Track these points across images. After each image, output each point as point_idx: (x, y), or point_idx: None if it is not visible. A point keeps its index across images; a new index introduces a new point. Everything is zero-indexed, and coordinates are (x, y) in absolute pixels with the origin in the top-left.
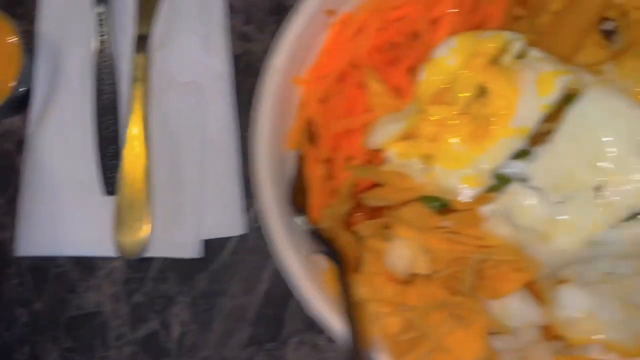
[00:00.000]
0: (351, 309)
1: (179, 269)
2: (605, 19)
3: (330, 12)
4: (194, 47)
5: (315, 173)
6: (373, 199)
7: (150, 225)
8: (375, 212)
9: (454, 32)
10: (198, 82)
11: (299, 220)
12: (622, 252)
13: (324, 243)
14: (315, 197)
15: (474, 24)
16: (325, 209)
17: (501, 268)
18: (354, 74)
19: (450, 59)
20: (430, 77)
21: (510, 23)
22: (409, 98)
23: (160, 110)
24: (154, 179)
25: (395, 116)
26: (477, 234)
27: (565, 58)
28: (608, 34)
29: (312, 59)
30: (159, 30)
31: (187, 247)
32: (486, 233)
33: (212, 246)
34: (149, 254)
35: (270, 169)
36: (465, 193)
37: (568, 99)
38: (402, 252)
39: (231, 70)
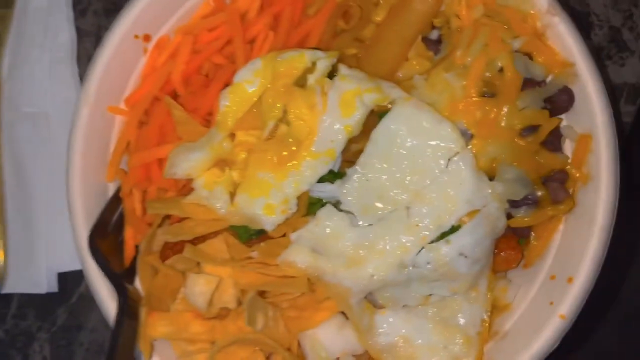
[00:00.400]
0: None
1: (38, 304)
2: (433, 27)
3: (146, 37)
4: (40, 76)
5: (129, 205)
6: (170, 234)
7: (3, 260)
8: (193, 243)
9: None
10: (46, 111)
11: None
12: (435, 274)
13: (112, 280)
14: (130, 231)
15: (295, 41)
16: (141, 242)
17: (309, 298)
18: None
19: (254, 83)
20: (234, 102)
21: (332, 38)
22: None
23: (11, 144)
24: (6, 213)
25: (193, 145)
26: (279, 265)
27: (389, 71)
28: (435, 43)
29: (133, 85)
30: (6, 60)
31: (41, 282)
32: (288, 263)
33: (69, 279)
34: (4, 290)
35: (86, 207)
36: (270, 221)
37: (381, 117)
38: (202, 288)
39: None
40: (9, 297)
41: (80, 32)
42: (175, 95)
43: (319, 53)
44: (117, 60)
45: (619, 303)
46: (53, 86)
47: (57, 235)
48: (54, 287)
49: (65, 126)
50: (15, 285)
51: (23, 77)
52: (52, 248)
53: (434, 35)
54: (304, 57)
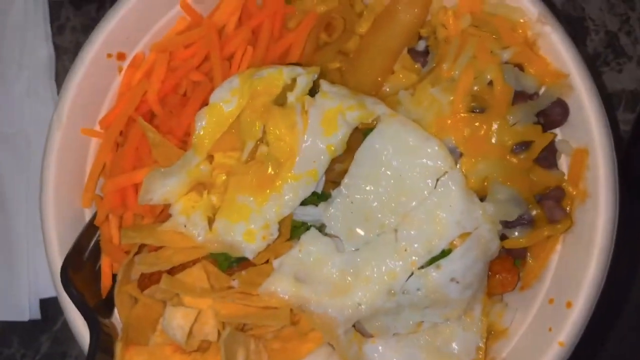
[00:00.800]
0: None
1: (21, 331)
2: (420, 38)
3: (120, 56)
4: (18, 95)
5: (105, 233)
6: (145, 264)
7: None
8: (171, 272)
9: (250, 68)
10: (25, 131)
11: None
12: (427, 300)
13: (84, 315)
14: (107, 260)
15: (275, 56)
16: (119, 271)
17: (293, 329)
18: (139, 114)
19: (231, 102)
20: (211, 123)
21: (314, 51)
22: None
23: None
24: None
25: (168, 170)
26: (260, 296)
27: (374, 85)
28: (422, 54)
29: (109, 105)
30: None
31: (24, 309)
32: (269, 293)
33: (52, 305)
34: None
35: (61, 235)
36: (250, 248)
37: (365, 135)
38: (180, 322)
39: None
40: None
41: (58, 49)
42: (152, 115)
43: (299, 69)
44: (91, 80)
45: (620, 320)
46: (31, 105)
47: (39, 260)
48: (36, 314)
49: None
50: None
51: (1, 97)
52: (34, 273)
53: (420, 46)
54: (283, 74)
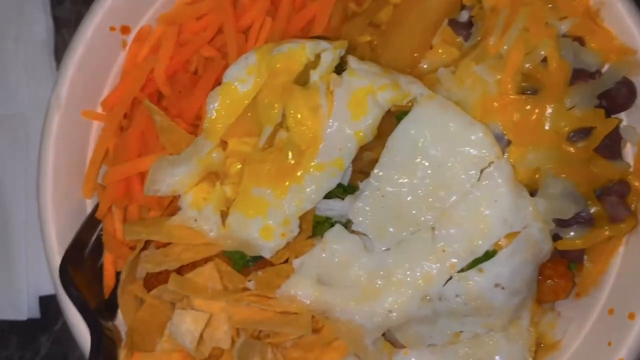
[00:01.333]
0: None
1: (20, 331)
2: (463, 7)
3: (124, 29)
4: (15, 73)
5: (108, 227)
6: (152, 262)
7: None
8: (180, 271)
9: (269, 42)
10: (23, 113)
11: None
12: (467, 308)
13: (85, 318)
14: (110, 257)
15: (297, 28)
16: (123, 269)
17: (315, 337)
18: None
19: (247, 81)
20: (224, 105)
21: (342, 23)
22: None
23: None
24: None
25: (177, 158)
26: (278, 299)
27: (410, 62)
28: (464, 27)
29: (112, 83)
30: None
31: (22, 307)
32: (289, 297)
33: (52, 303)
34: None
35: (60, 228)
36: (268, 247)
37: (399, 119)
38: (189, 327)
39: None
40: None
41: (57, 21)
42: (159, 96)
43: (324, 44)
44: (92, 57)
45: None
46: (29, 83)
47: (38, 254)
48: (35, 312)
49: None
50: None
51: None
52: (33, 269)
53: (463, 17)
54: (305, 50)
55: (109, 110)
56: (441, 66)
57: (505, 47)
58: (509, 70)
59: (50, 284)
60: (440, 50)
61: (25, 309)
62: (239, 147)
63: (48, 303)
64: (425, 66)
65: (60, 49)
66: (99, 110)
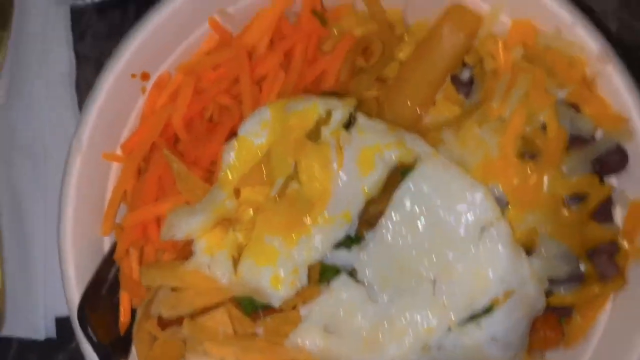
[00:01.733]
0: None
1: (39, 349)
2: (463, 65)
3: (144, 76)
4: (38, 106)
5: (125, 268)
6: (166, 307)
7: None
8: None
9: (281, 94)
10: (43, 142)
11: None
12: (464, 358)
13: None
14: (126, 296)
15: (309, 80)
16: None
17: None
18: (168, 147)
19: (261, 135)
20: (239, 157)
21: (350, 77)
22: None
23: (7, 179)
24: (3, 252)
25: (193, 209)
26: (287, 348)
27: (414, 117)
28: (466, 84)
29: (132, 127)
30: (2, 87)
31: (39, 327)
32: (297, 345)
33: (69, 325)
34: (2, 333)
35: (79, 264)
36: (277, 295)
37: (404, 174)
38: None
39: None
40: (8, 341)
41: (79, 57)
42: (176, 138)
43: (335, 102)
44: (113, 102)
45: None
46: (51, 117)
47: (56, 277)
48: (52, 332)
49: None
50: (13, 328)
51: (20, 107)
52: (51, 291)
53: (465, 75)
54: (317, 108)
55: (128, 153)
56: (443, 122)
57: (507, 112)
58: (510, 135)
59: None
60: (442, 107)
61: (43, 329)
62: (251, 196)
63: (64, 323)
64: (427, 121)
65: (81, 83)
66: (118, 151)
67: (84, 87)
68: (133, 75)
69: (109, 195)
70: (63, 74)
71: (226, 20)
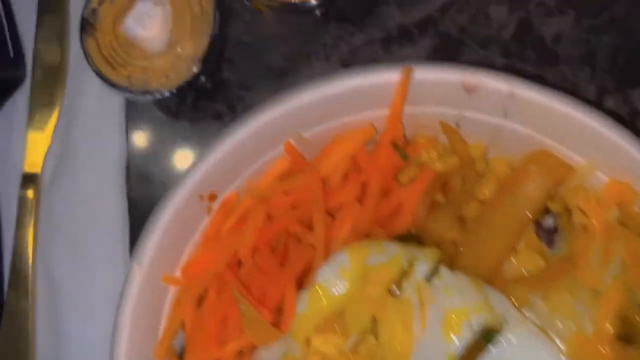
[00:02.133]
0: None
1: None
2: (547, 212)
3: (212, 197)
4: (84, 188)
5: None
6: None
7: None
8: None
9: (355, 228)
10: (87, 228)
11: None
12: None
13: None
14: None
15: (383, 215)
16: None
17: None
18: (234, 277)
19: (339, 286)
20: (313, 307)
21: (428, 215)
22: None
23: (44, 263)
24: (37, 341)
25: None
26: None
27: (493, 266)
28: (549, 232)
29: (191, 249)
30: (49, 166)
31: None
32: None
33: None
34: None
35: None
36: None
37: (488, 336)
38: None
39: (125, 215)
40: None
41: (130, 147)
42: (239, 262)
43: (418, 253)
44: (177, 222)
45: None
46: (97, 201)
47: None
48: None
49: (105, 250)
50: None
51: (65, 186)
52: None
53: (548, 222)
54: (400, 260)
55: (189, 277)
56: (527, 275)
57: (603, 284)
58: (607, 313)
59: None
60: (524, 256)
61: None
62: (323, 347)
63: None
64: (509, 271)
65: (131, 173)
66: (177, 272)
67: (134, 177)
68: (201, 197)
69: (165, 316)
70: (114, 162)
71: (300, 144)
